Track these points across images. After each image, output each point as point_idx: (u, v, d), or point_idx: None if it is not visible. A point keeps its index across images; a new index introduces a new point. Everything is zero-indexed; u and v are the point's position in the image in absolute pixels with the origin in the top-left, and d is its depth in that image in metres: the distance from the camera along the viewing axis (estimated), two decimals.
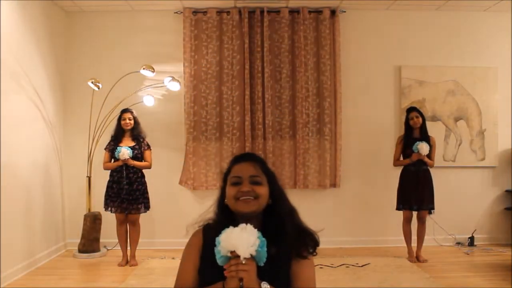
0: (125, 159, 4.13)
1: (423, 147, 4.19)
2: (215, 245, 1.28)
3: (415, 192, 4.30)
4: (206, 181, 4.97)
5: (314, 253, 1.45)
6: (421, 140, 4.25)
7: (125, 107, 4.43)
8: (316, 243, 1.45)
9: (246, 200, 1.41)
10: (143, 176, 4.31)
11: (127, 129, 4.28)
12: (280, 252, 1.38)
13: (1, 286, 3.56)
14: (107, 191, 4.26)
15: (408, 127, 4.41)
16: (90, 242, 4.53)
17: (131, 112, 4.32)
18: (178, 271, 1.48)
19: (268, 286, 1.29)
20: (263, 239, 1.28)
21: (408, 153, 4.35)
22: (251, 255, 1.24)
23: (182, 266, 1.48)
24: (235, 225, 1.31)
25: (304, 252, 1.41)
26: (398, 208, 4.43)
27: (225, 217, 1.45)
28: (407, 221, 4.39)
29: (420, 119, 4.34)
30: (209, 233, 1.42)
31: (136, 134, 4.30)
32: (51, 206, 4.64)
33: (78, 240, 4.60)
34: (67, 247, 4.92)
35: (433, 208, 4.34)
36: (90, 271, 4.18)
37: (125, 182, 4.19)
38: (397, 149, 4.48)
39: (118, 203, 4.19)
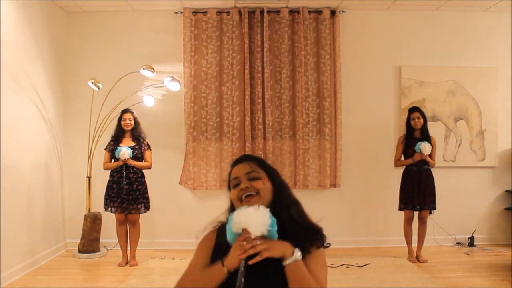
0: (125, 159, 4.13)
1: (425, 147, 4.19)
2: (226, 231, 1.31)
3: (417, 192, 4.30)
4: (206, 181, 4.97)
5: (320, 246, 1.43)
6: (422, 140, 4.26)
7: (125, 107, 4.43)
8: (320, 236, 1.44)
9: (248, 198, 1.42)
10: (143, 176, 4.31)
11: (127, 130, 4.28)
12: None
13: (1, 286, 3.56)
14: (107, 191, 4.25)
15: (409, 126, 4.41)
16: (90, 242, 4.53)
17: (132, 113, 4.32)
18: (189, 263, 1.50)
19: (300, 253, 1.30)
20: (274, 218, 1.29)
21: (409, 153, 4.34)
22: (262, 235, 1.26)
23: (193, 259, 1.51)
24: None
25: (308, 247, 1.40)
26: (400, 209, 4.43)
27: None
28: (408, 221, 4.39)
29: (422, 120, 4.33)
30: (222, 234, 1.43)
31: (137, 134, 4.30)
32: (51, 206, 4.64)
33: (78, 240, 4.60)
34: (67, 247, 4.92)
35: (435, 208, 4.34)
36: (90, 271, 4.18)
37: (125, 182, 4.19)
38: (398, 150, 4.47)
39: (118, 203, 4.19)
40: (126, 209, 4.20)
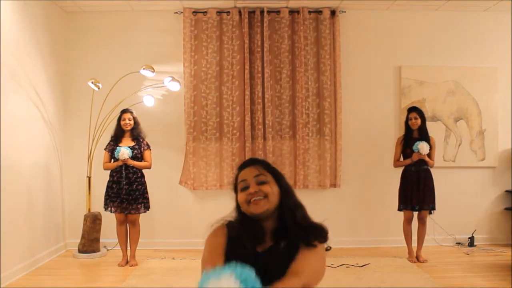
0: (124, 159, 4.13)
1: (423, 147, 4.20)
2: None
3: (416, 192, 4.30)
4: (206, 181, 4.97)
5: (324, 241, 1.46)
6: (420, 140, 4.26)
7: (125, 107, 4.43)
8: (325, 233, 1.47)
9: (257, 201, 1.45)
10: (142, 176, 4.31)
11: (127, 130, 4.28)
12: (288, 246, 1.42)
13: (1, 286, 3.56)
14: (107, 191, 4.26)
15: (408, 127, 4.41)
16: (90, 242, 4.53)
17: (131, 113, 4.31)
18: (204, 257, 1.47)
19: None
20: (251, 283, 1.14)
21: (408, 153, 4.35)
22: None
23: (206, 257, 1.47)
24: (256, 224, 1.40)
25: (312, 241, 1.43)
26: (400, 209, 4.43)
27: (245, 219, 1.49)
28: (408, 222, 4.39)
29: (419, 121, 4.33)
30: (232, 230, 1.47)
31: (136, 134, 4.30)
32: (51, 206, 4.64)
33: (78, 240, 4.60)
34: (67, 247, 4.92)
35: (434, 208, 4.34)
36: (90, 271, 4.18)
37: (124, 182, 4.19)
38: (397, 150, 4.48)
39: (118, 203, 4.19)
40: (125, 209, 4.20)
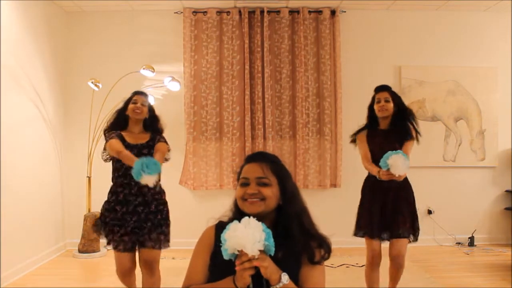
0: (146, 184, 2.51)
1: (397, 163, 2.45)
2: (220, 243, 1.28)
3: (384, 212, 2.76)
4: (206, 181, 4.97)
5: (328, 258, 1.44)
6: (396, 135, 2.73)
7: None
8: (329, 249, 1.44)
9: (252, 202, 1.41)
10: (163, 192, 2.98)
11: (137, 118, 2.85)
12: (287, 255, 1.37)
13: (1, 286, 3.56)
14: (104, 217, 2.69)
15: (372, 114, 2.89)
16: (90, 242, 4.53)
17: (146, 96, 2.91)
18: (189, 267, 1.48)
19: (287, 277, 1.29)
20: (268, 230, 1.26)
21: (375, 154, 2.80)
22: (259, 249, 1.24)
23: (192, 262, 1.48)
24: None
25: (317, 257, 1.40)
26: (355, 234, 2.97)
27: (239, 215, 1.45)
28: (372, 262, 2.81)
29: (391, 105, 2.80)
30: (221, 231, 1.41)
31: (154, 126, 2.99)
32: (51, 206, 4.64)
33: (78, 240, 4.60)
34: (67, 247, 4.92)
35: (416, 238, 2.81)
36: (90, 271, 4.18)
37: (136, 203, 2.69)
38: (363, 149, 2.89)
39: (123, 235, 2.64)
40: (137, 243, 2.72)
